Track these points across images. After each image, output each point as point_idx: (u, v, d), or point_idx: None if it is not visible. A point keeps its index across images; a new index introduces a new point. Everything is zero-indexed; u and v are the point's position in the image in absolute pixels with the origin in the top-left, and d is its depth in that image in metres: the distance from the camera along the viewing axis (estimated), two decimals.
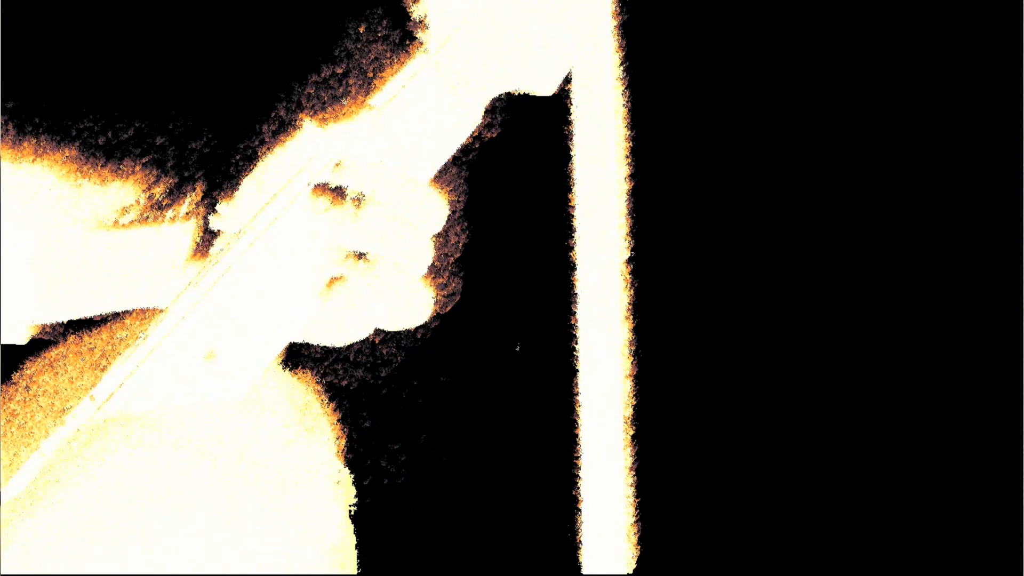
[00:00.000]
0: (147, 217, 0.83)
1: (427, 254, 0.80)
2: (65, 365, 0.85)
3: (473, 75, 0.82)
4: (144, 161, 0.93)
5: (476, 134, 0.95)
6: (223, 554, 0.77)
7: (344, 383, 1.34)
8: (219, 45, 1.09)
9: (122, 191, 0.85)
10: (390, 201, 0.78)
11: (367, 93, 0.82)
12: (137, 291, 0.84)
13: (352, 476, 1.08)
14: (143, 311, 0.84)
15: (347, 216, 0.76)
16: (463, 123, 0.83)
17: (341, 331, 0.80)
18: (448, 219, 0.87)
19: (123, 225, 0.82)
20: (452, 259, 1.28)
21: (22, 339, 0.85)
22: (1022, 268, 1.32)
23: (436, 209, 0.80)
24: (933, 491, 1.37)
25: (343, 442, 1.36)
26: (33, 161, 0.83)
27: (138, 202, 0.84)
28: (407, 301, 0.79)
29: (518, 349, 1.39)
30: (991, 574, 1.34)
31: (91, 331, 0.87)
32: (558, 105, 1.18)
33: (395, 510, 1.38)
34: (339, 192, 0.76)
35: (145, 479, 0.75)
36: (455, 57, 0.83)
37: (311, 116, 0.84)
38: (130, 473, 0.76)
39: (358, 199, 0.76)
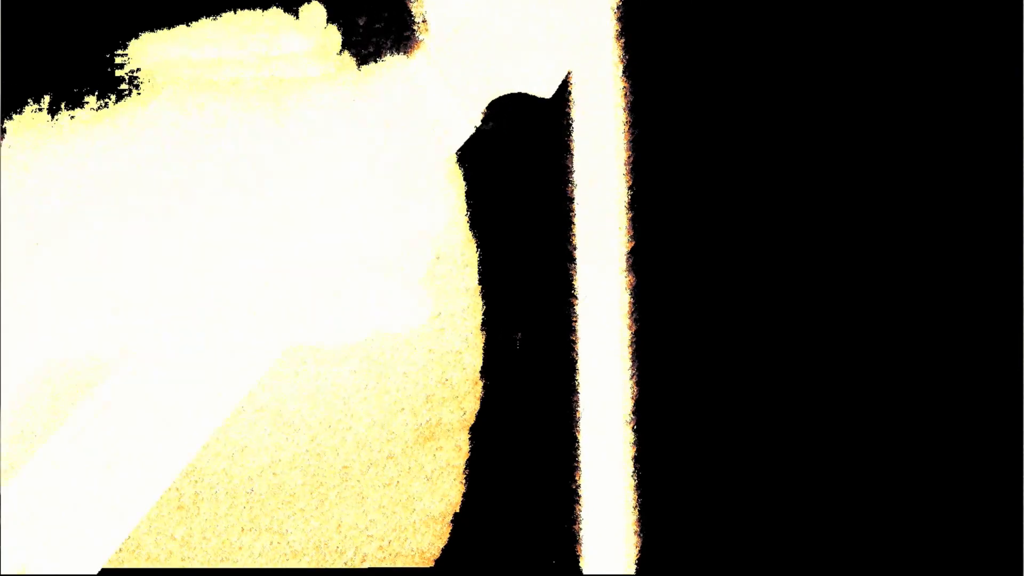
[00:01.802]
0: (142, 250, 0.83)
1: (427, 255, 0.80)
2: (59, 364, 0.85)
3: (473, 76, 0.82)
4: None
5: (477, 133, 0.95)
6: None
7: (343, 395, 1.34)
8: None
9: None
10: (392, 202, 0.78)
11: (370, 91, 0.82)
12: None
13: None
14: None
15: (350, 217, 0.76)
16: (463, 123, 0.83)
17: (342, 332, 0.80)
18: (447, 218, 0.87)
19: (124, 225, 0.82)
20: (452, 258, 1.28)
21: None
22: (1022, 268, 1.32)
23: (437, 210, 0.80)
24: (933, 491, 1.37)
25: (343, 441, 1.36)
26: (32, 166, 0.83)
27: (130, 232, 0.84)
28: (408, 303, 0.79)
29: (518, 340, 1.39)
30: (991, 574, 1.34)
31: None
32: (558, 105, 1.18)
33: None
34: (343, 193, 0.76)
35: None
36: (456, 58, 0.83)
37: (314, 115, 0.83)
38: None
39: (361, 200, 0.76)
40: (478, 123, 0.87)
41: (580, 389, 1.26)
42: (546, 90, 0.89)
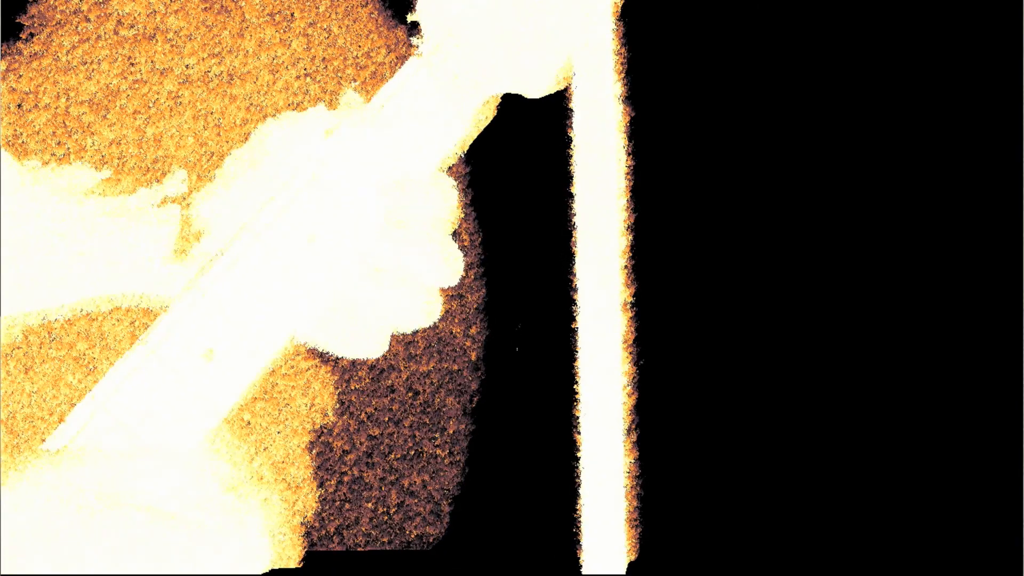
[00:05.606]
0: (134, 207, 0.82)
1: (435, 257, 0.80)
2: (45, 363, 0.85)
3: (468, 77, 0.82)
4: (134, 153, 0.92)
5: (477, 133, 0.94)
6: None
7: (345, 382, 1.34)
8: None
9: (113, 181, 0.84)
10: (398, 204, 0.77)
11: (365, 90, 0.82)
12: (124, 282, 0.83)
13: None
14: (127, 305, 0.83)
15: (351, 218, 0.76)
16: (456, 125, 0.83)
17: (348, 337, 0.80)
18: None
19: (109, 213, 0.81)
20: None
21: (14, 338, 0.84)
22: (1022, 268, 1.32)
23: (447, 212, 0.80)
24: (933, 491, 1.37)
25: (341, 445, 1.35)
26: (19, 148, 0.83)
27: (124, 192, 0.83)
28: (415, 304, 0.79)
29: (518, 329, 1.38)
30: (991, 574, 1.34)
31: (69, 326, 0.86)
32: (558, 103, 1.17)
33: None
34: (343, 195, 0.76)
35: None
36: (450, 59, 0.83)
37: (311, 113, 0.83)
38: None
39: (363, 202, 0.76)
40: (468, 125, 0.86)
41: (580, 378, 1.26)
42: (536, 91, 0.88)
